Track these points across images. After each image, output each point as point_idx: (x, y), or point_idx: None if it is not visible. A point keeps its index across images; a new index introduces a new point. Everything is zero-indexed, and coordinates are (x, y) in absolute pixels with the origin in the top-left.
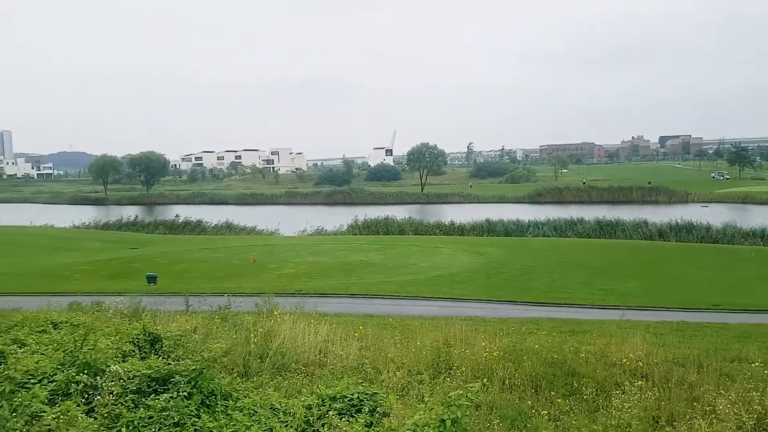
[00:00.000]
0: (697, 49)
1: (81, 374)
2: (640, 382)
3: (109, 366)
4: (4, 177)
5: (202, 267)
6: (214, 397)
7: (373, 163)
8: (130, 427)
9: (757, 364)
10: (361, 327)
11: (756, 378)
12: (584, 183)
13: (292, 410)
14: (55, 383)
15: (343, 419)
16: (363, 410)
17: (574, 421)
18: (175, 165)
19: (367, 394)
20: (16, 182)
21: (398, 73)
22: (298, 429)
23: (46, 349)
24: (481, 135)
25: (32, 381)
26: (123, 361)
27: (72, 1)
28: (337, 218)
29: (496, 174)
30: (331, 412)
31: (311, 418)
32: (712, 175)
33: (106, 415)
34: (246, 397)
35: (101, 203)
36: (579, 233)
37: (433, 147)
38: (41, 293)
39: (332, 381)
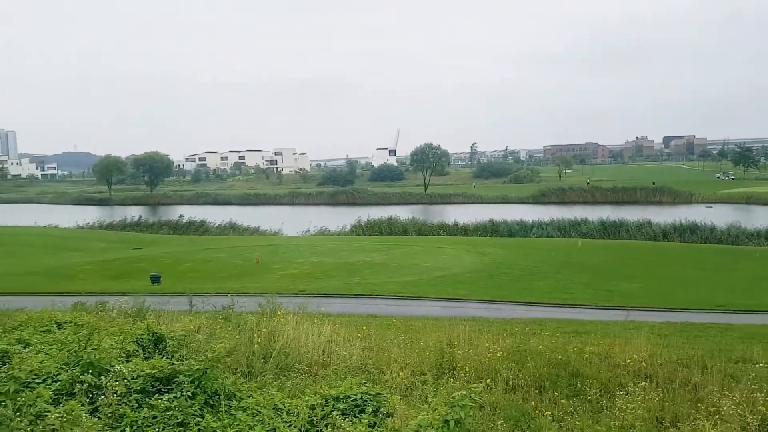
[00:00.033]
0: (697, 49)
1: (85, 374)
2: (644, 383)
3: (113, 366)
4: (9, 177)
5: (205, 267)
6: (217, 397)
7: (376, 164)
8: (134, 427)
9: (761, 365)
10: (364, 327)
11: (760, 379)
12: (588, 183)
13: (295, 410)
14: (59, 383)
15: (347, 419)
16: (366, 411)
17: (577, 422)
18: (179, 165)
19: (370, 394)
20: (21, 182)
21: (399, 73)
22: (302, 429)
23: (51, 349)
24: (482, 135)
25: (37, 381)
26: (127, 361)
27: (72, 1)
28: (340, 218)
29: (500, 174)
30: (334, 413)
31: (315, 419)
32: (717, 175)
33: (110, 414)
34: (249, 397)
35: (105, 203)
36: (583, 234)
37: (436, 147)
38: (46, 293)
39: (335, 381)
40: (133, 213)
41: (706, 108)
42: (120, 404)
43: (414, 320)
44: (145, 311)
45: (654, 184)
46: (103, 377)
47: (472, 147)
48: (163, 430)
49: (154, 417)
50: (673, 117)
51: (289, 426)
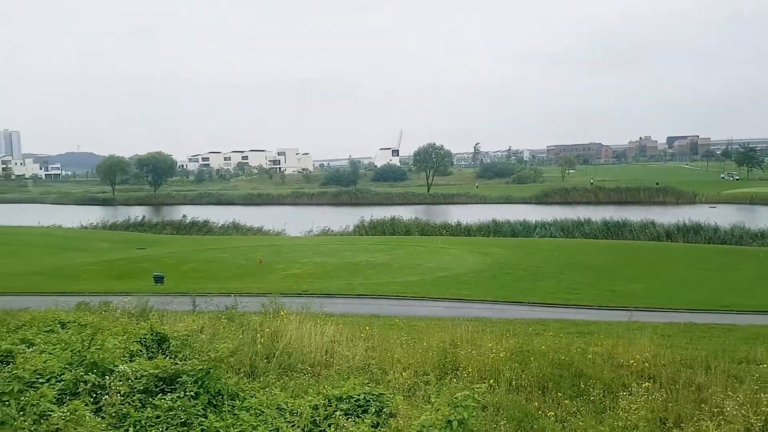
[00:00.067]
0: (697, 49)
1: (89, 374)
2: (647, 384)
3: (116, 366)
4: (13, 177)
5: (208, 267)
6: (220, 396)
7: (379, 164)
8: (138, 427)
9: (765, 365)
10: (367, 327)
11: (764, 380)
12: (592, 183)
13: (298, 410)
14: (62, 383)
15: (350, 420)
16: (369, 411)
17: (581, 423)
18: (182, 165)
19: (373, 394)
20: (25, 182)
21: (399, 73)
22: (305, 429)
23: (54, 349)
24: (485, 135)
25: (40, 380)
26: (130, 361)
27: (72, 1)
28: (343, 219)
29: (503, 174)
30: (337, 413)
31: (318, 419)
32: (722, 175)
33: (113, 414)
34: (252, 397)
35: (109, 204)
36: (586, 234)
37: (439, 147)
38: (49, 293)
39: (339, 381)
40: (137, 213)
41: (708, 108)
42: (123, 404)
43: (417, 320)
44: (149, 311)
45: (657, 184)
46: (106, 377)
47: (475, 147)
48: (166, 429)
49: (158, 417)
50: (675, 117)
51: (292, 426)
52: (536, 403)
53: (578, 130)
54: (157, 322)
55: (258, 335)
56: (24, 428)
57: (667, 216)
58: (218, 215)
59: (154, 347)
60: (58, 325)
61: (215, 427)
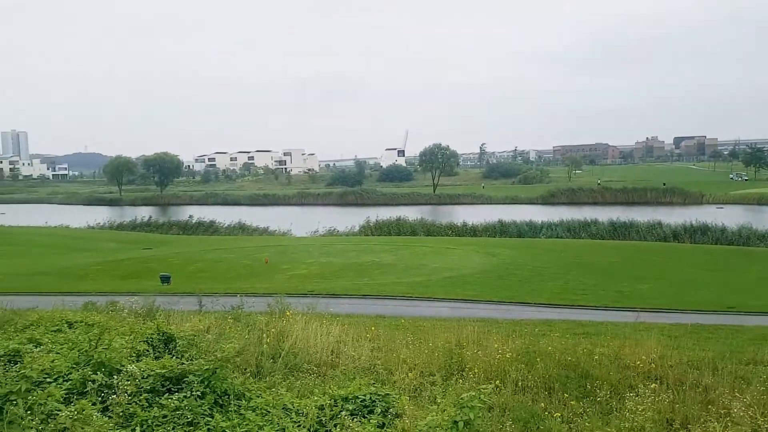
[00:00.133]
0: (697, 49)
1: (96, 373)
2: (654, 385)
3: (123, 365)
4: (20, 178)
5: (215, 267)
6: (227, 396)
7: (385, 164)
8: (144, 426)
9: None
10: (373, 328)
11: None
12: (599, 184)
13: (304, 410)
14: (70, 382)
15: (356, 420)
16: (375, 411)
17: (587, 424)
18: (189, 166)
19: (379, 395)
20: (32, 183)
21: (400, 72)
22: (311, 429)
23: (62, 348)
24: (491, 136)
25: (48, 380)
26: (137, 361)
27: (73, 1)
28: (349, 219)
29: (509, 175)
30: (343, 413)
31: (323, 419)
32: (731, 176)
33: (120, 414)
34: (259, 397)
35: (116, 204)
36: (593, 234)
37: (445, 148)
38: (57, 293)
39: (344, 382)
40: (143, 213)
41: (709, 108)
42: (130, 403)
43: (423, 321)
44: (155, 311)
45: (664, 184)
46: (114, 376)
47: (481, 147)
48: (173, 429)
49: (164, 416)
50: (676, 117)
51: (298, 426)
52: (542, 404)
53: (581, 131)
54: (163, 321)
55: (264, 335)
56: (32, 427)
57: (674, 216)
58: (224, 215)
59: (160, 347)
60: (66, 325)
61: (221, 426)
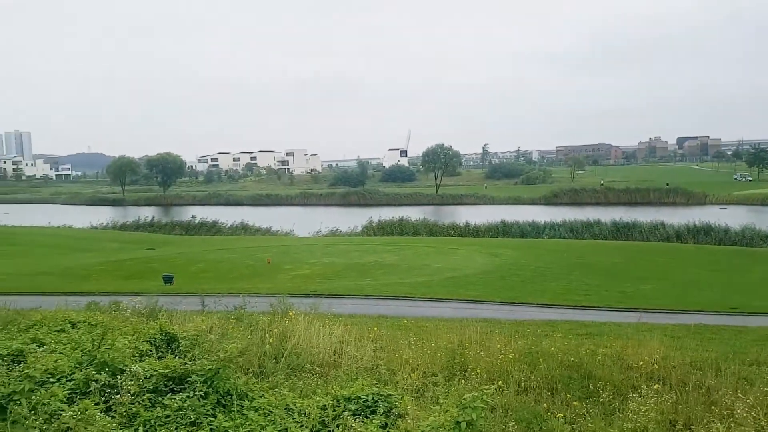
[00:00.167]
0: (697, 49)
1: (99, 373)
2: (657, 386)
3: (126, 365)
4: (24, 178)
5: (217, 267)
6: (229, 396)
7: (387, 164)
8: (147, 426)
9: None
10: (375, 328)
11: None
12: (602, 185)
13: (306, 411)
14: (73, 382)
15: (358, 420)
16: (378, 411)
17: (590, 424)
18: (192, 166)
19: (381, 395)
20: (35, 183)
21: (400, 72)
22: (313, 429)
23: (65, 348)
24: (493, 136)
25: (51, 380)
26: (140, 361)
27: (73, 1)
28: (351, 219)
29: (512, 175)
30: (345, 413)
31: (326, 419)
32: (735, 176)
33: (123, 413)
34: (261, 397)
35: (119, 204)
36: (595, 235)
37: (448, 148)
38: (60, 293)
39: (347, 382)
40: (146, 213)
41: (709, 108)
42: (133, 403)
43: (425, 321)
44: (158, 311)
45: (667, 185)
46: (117, 376)
47: (483, 148)
48: (175, 429)
49: (167, 416)
50: (683, 118)
51: (301, 426)
52: (545, 404)
53: (582, 131)
54: (166, 322)
55: (267, 335)
56: (35, 427)
57: (677, 217)
58: (227, 216)
59: (163, 347)
60: (69, 325)
61: (224, 426)
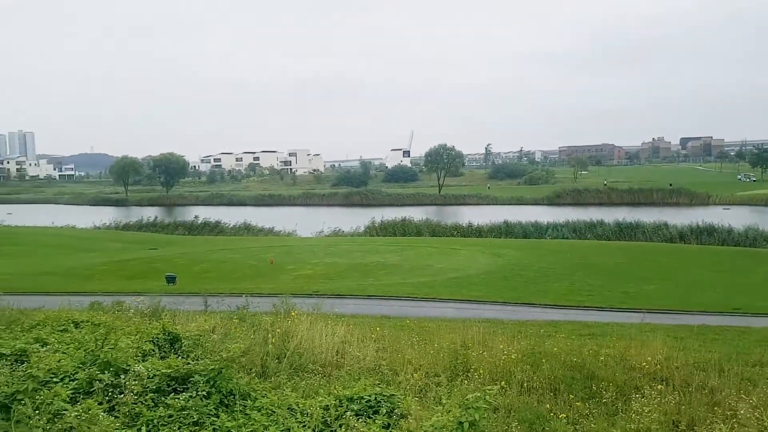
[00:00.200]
0: (698, 49)
1: (102, 373)
2: (660, 386)
3: (129, 365)
4: (27, 178)
5: (220, 268)
6: (232, 396)
7: (390, 165)
8: (150, 426)
9: None
10: (378, 328)
11: None
12: (605, 185)
13: (309, 411)
14: (76, 382)
15: (361, 420)
16: (380, 412)
17: (593, 425)
18: (194, 166)
19: (384, 395)
20: (39, 183)
21: (400, 72)
22: (316, 429)
23: (68, 348)
24: (496, 136)
25: (54, 379)
26: (143, 361)
27: (73, 1)
28: (354, 219)
29: (515, 175)
30: (348, 413)
31: (329, 419)
32: (739, 177)
33: (126, 413)
34: (264, 397)
35: (122, 204)
36: (598, 235)
37: (450, 148)
38: (63, 293)
39: (349, 382)
40: (149, 214)
41: (709, 108)
42: (136, 403)
43: (428, 321)
44: (161, 311)
45: (671, 185)
46: (120, 376)
47: (486, 148)
48: (178, 429)
49: (170, 416)
50: (683, 118)
51: (303, 426)
52: (548, 405)
53: (582, 131)
54: (169, 321)
55: (269, 335)
56: (39, 427)
57: (680, 217)
58: (230, 216)
59: (166, 347)
60: (72, 325)
61: (227, 426)
